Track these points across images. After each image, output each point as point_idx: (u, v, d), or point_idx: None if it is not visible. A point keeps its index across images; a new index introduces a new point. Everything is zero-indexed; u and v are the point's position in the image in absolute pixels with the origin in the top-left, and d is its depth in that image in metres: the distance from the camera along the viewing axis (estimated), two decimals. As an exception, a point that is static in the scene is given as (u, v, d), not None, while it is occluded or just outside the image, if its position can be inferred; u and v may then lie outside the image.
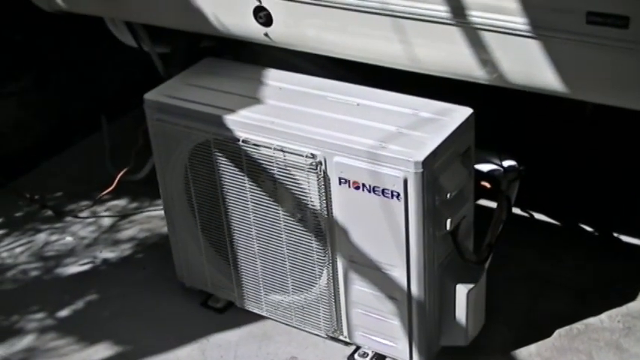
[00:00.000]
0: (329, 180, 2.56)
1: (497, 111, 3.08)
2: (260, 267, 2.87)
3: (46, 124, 3.95)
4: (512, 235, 2.87)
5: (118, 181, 3.49)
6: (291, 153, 2.58)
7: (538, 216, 3.38)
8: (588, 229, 3.33)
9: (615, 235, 3.28)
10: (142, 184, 3.62)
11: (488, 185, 2.80)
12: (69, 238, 3.51)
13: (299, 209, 2.67)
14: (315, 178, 2.58)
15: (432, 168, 2.45)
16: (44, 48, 3.90)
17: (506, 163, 2.87)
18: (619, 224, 3.31)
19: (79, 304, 3.16)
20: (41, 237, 3.52)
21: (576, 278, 3.09)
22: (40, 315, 3.12)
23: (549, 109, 3.07)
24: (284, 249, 2.77)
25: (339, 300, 2.77)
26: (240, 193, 2.76)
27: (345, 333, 2.83)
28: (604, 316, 2.93)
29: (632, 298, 2.99)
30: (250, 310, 3.00)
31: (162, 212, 3.11)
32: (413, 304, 2.63)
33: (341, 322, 2.82)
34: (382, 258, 2.60)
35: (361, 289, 2.70)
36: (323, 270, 2.74)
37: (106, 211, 3.65)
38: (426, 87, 2.69)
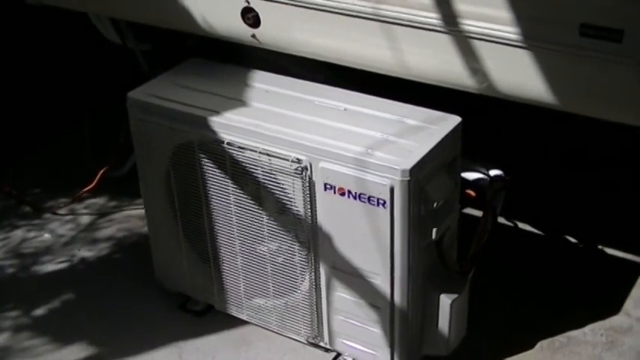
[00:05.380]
0: (314, 185, 2.53)
1: (483, 119, 3.05)
2: (241, 271, 2.83)
3: (26, 118, 3.88)
4: (495, 245, 2.84)
5: (99, 179, 3.44)
6: (277, 157, 2.54)
7: (522, 226, 3.36)
8: (572, 240, 3.31)
9: (599, 247, 3.27)
10: (122, 183, 3.57)
11: (473, 194, 2.77)
12: (47, 236, 3.45)
13: (283, 214, 2.64)
14: (300, 183, 2.54)
15: (419, 176, 2.42)
16: (26, 41, 3.84)
17: (493, 172, 2.85)
18: (603, 236, 3.29)
19: (55, 304, 3.11)
20: (18, 233, 3.47)
21: (559, 290, 3.07)
22: (14, 313, 3.07)
23: (535, 119, 3.04)
24: (266, 253, 2.73)
25: (321, 306, 2.74)
26: (223, 196, 2.72)
27: (326, 339, 2.79)
28: (587, 329, 2.91)
29: (616, 312, 2.98)
30: (230, 313, 2.96)
31: (142, 212, 3.08)
32: (395, 312, 2.60)
33: (322, 328, 2.78)
34: (366, 266, 2.56)
35: (343, 296, 2.66)
36: (305, 275, 2.70)
37: (84, 208, 3.60)
38: (410, 93, 2.67)
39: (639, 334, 2.88)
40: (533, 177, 3.25)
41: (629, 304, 3.01)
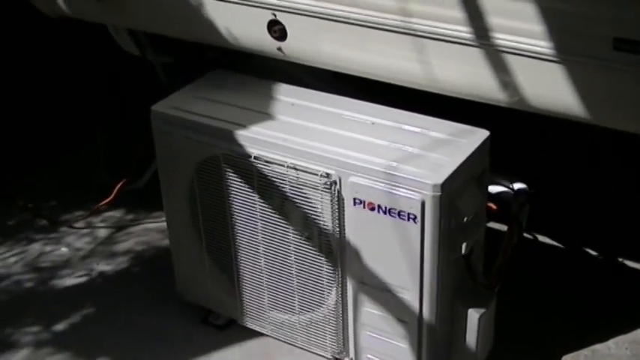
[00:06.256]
0: (343, 200, 2.51)
1: (503, 132, 3.04)
2: (266, 285, 2.81)
3: (41, 130, 3.86)
4: (518, 258, 2.83)
5: (117, 192, 3.42)
6: (305, 171, 2.53)
7: (543, 239, 3.35)
8: (593, 253, 3.30)
9: (620, 259, 3.26)
10: (139, 195, 3.55)
11: (494, 207, 2.75)
12: (64, 249, 3.43)
13: (310, 229, 2.62)
14: (329, 198, 2.52)
15: (450, 191, 2.40)
16: (41, 52, 3.82)
17: (517, 185, 2.84)
18: (624, 249, 3.28)
19: (76, 318, 3.08)
20: (35, 247, 3.45)
21: (581, 303, 3.06)
22: (35, 328, 3.04)
23: (557, 132, 3.04)
24: (292, 268, 2.71)
25: (347, 321, 2.72)
26: (249, 211, 2.70)
27: (352, 355, 2.77)
28: (611, 342, 2.90)
29: (639, 325, 2.96)
30: (253, 328, 2.94)
31: (160, 225, 3.06)
32: (423, 327, 2.58)
33: (347, 344, 2.76)
34: (394, 280, 2.55)
35: (371, 311, 2.65)
36: (332, 290, 2.68)
37: (101, 222, 3.57)
38: (431, 105, 2.66)
39: (663, 348, 2.89)
40: (552, 190, 3.24)
41: (652, 317, 3.01)
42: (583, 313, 3.02)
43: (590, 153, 3.29)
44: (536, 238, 3.35)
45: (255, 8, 2.70)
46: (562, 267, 3.23)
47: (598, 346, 2.89)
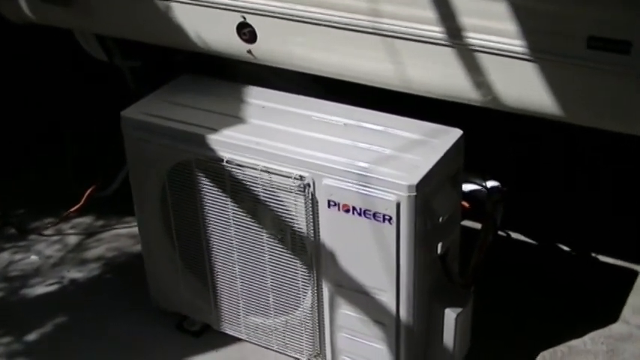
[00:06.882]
0: (317, 202, 2.50)
1: (476, 130, 3.04)
2: (240, 289, 2.79)
3: (7, 137, 3.81)
4: (492, 256, 2.83)
5: (86, 198, 3.38)
6: (278, 174, 2.51)
7: (516, 236, 3.35)
8: (565, 249, 3.31)
9: (593, 255, 3.27)
10: (108, 201, 3.51)
11: (467, 205, 2.75)
12: (34, 257, 3.38)
13: (284, 232, 2.60)
14: (303, 201, 2.50)
15: (425, 191, 2.39)
16: (8, 57, 3.77)
17: (490, 184, 2.83)
18: (596, 244, 3.29)
19: (48, 327, 3.04)
20: (4, 256, 3.40)
21: (556, 300, 3.07)
22: (6, 339, 3.00)
23: (529, 130, 3.04)
24: (267, 271, 2.69)
25: (323, 323, 2.70)
26: (222, 215, 2.68)
27: (329, 357, 2.76)
28: (587, 338, 2.91)
29: (614, 320, 2.97)
30: (228, 333, 2.92)
31: (131, 230, 3.03)
32: (401, 328, 2.57)
33: (324, 346, 2.75)
34: (371, 282, 2.53)
35: (347, 313, 2.63)
36: (307, 293, 2.67)
37: (71, 228, 3.53)
38: (404, 105, 2.65)
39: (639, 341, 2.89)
40: (525, 187, 3.25)
41: (627, 311, 3.01)
42: (558, 310, 3.03)
43: (564, 150, 3.30)
44: (509, 236, 3.35)
45: (224, 11, 2.67)
46: (536, 264, 3.23)
47: (574, 342, 2.89)
